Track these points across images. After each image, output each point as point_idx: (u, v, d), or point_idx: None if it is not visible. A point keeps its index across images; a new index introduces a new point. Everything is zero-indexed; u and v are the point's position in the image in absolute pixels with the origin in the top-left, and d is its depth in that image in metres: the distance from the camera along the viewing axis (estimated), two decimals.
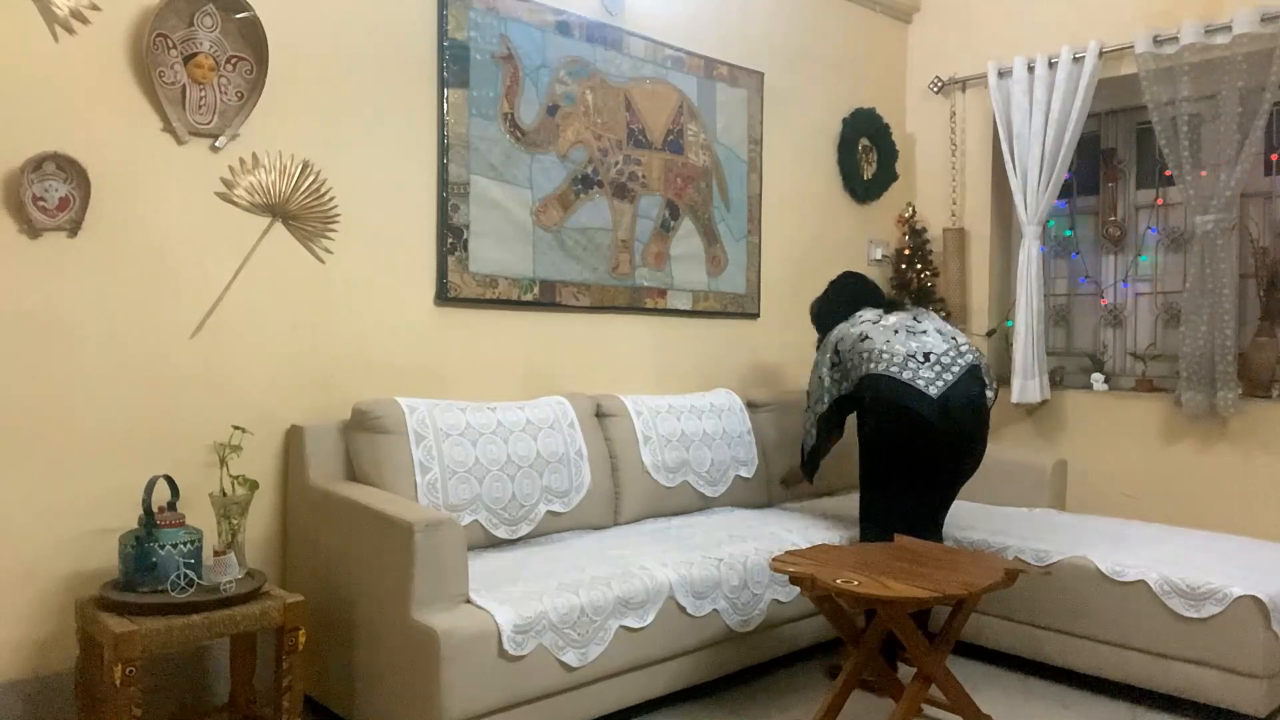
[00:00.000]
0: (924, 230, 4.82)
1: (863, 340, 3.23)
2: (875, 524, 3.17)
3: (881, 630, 2.64)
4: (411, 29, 3.18)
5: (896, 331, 3.20)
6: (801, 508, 3.82)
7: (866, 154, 4.79)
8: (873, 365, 3.15)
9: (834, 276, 3.71)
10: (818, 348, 3.50)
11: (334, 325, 3.04)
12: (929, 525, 3.17)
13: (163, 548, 2.38)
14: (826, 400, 3.35)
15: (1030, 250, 4.37)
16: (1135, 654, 2.98)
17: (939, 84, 4.87)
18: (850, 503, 3.88)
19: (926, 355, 3.12)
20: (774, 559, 2.64)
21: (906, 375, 3.08)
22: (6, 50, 2.45)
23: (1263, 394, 3.93)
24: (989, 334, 4.72)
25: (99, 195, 2.57)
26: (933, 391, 3.04)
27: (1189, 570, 2.93)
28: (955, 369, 3.10)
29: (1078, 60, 4.26)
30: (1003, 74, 4.50)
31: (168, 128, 2.69)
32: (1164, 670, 2.93)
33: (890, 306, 3.43)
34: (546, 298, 3.54)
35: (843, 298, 3.56)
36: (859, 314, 3.39)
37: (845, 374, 3.29)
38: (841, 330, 3.36)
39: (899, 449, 3.10)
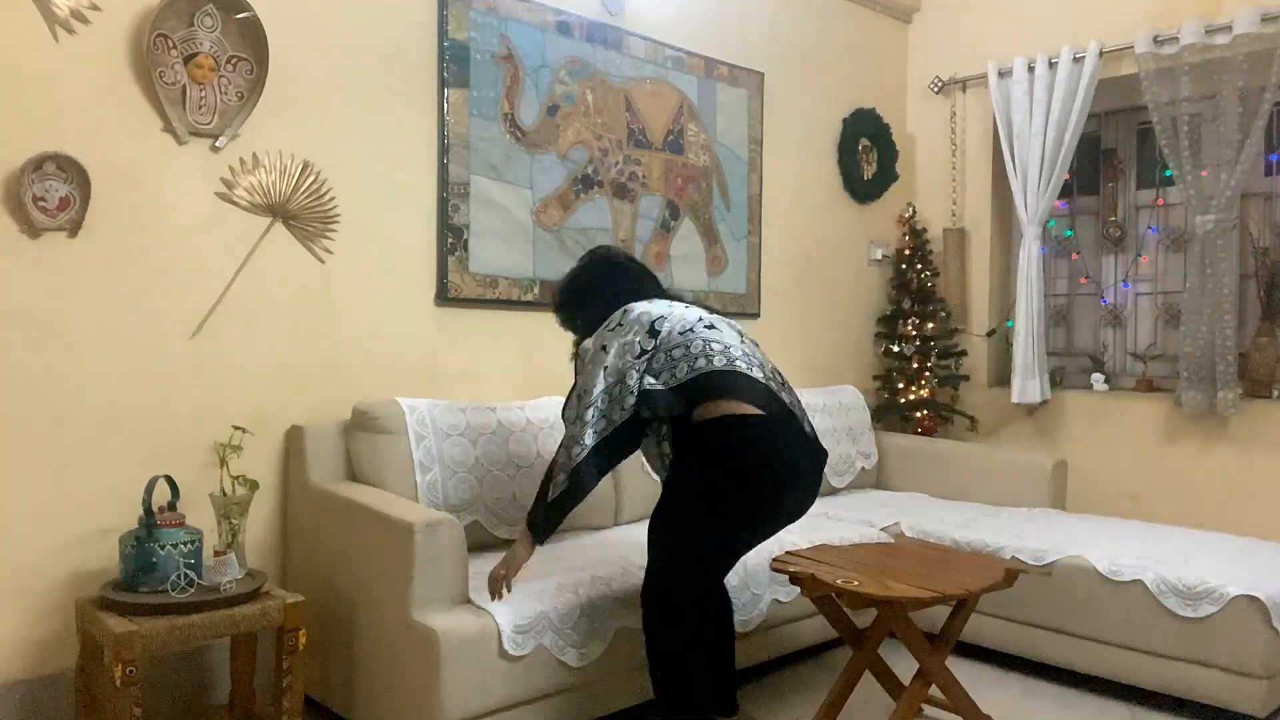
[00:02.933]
0: (924, 230, 4.82)
1: (690, 331, 2.45)
2: (686, 573, 2.42)
3: (882, 631, 2.64)
4: (411, 29, 3.18)
5: (714, 326, 2.50)
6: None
7: (866, 154, 4.79)
8: (713, 360, 2.38)
9: (591, 259, 2.79)
10: (595, 334, 2.54)
11: (334, 325, 3.04)
12: (724, 571, 2.61)
13: (163, 548, 2.38)
14: (631, 401, 2.39)
15: (1030, 250, 4.37)
16: (1135, 654, 2.98)
17: (939, 84, 4.87)
18: (851, 503, 3.89)
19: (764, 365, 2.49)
20: (774, 559, 2.64)
21: (758, 374, 2.41)
22: (6, 50, 2.45)
23: (1263, 394, 3.93)
24: (989, 334, 4.72)
25: (99, 195, 2.57)
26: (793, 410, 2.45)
27: (1186, 570, 2.93)
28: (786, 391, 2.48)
29: (1078, 60, 4.26)
30: (1003, 74, 4.50)
31: (168, 128, 2.70)
32: (1164, 670, 2.92)
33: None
34: (547, 298, 3.53)
35: (620, 281, 2.67)
36: (657, 300, 2.61)
37: (669, 363, 2.41)
38: (648, 309, 2.52)
39: (762, 467, 2.37)
